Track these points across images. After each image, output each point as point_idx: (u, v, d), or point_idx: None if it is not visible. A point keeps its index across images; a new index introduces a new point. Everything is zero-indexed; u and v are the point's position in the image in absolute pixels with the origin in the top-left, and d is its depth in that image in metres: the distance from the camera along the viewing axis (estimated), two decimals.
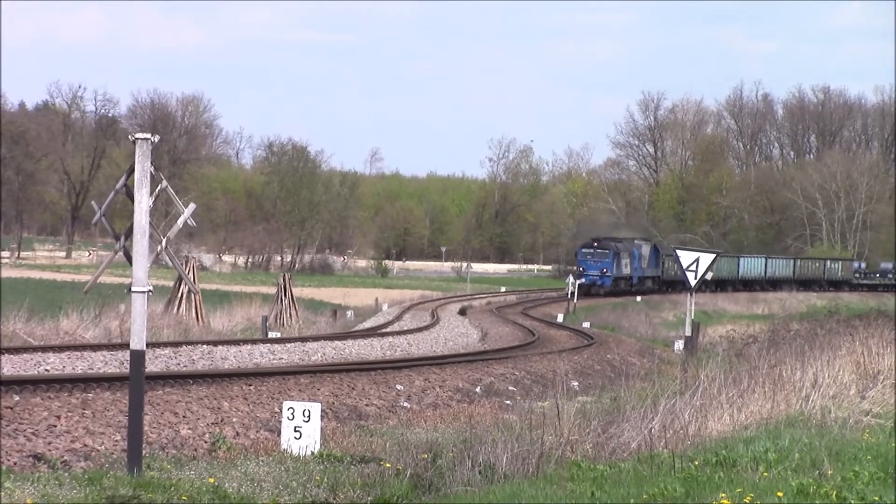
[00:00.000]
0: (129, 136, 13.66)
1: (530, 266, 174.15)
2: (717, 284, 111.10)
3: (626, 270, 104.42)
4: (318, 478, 14.49)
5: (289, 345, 36.07)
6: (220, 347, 33.13)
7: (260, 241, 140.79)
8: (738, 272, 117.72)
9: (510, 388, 27.58)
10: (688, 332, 33.24)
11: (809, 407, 17.83)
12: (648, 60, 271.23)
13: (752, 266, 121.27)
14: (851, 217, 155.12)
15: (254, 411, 19.64)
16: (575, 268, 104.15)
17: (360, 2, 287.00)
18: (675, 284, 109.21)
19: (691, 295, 32.13)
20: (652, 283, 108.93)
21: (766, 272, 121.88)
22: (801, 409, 17.85)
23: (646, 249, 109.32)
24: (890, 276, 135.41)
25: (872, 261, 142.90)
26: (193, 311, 48.04)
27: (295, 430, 16.58)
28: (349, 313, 60.73)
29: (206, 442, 16.97)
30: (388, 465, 15.10)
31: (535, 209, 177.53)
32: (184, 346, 32.46)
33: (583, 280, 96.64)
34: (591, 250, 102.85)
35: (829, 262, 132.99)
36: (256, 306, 54.27)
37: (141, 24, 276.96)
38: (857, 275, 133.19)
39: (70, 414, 17.29)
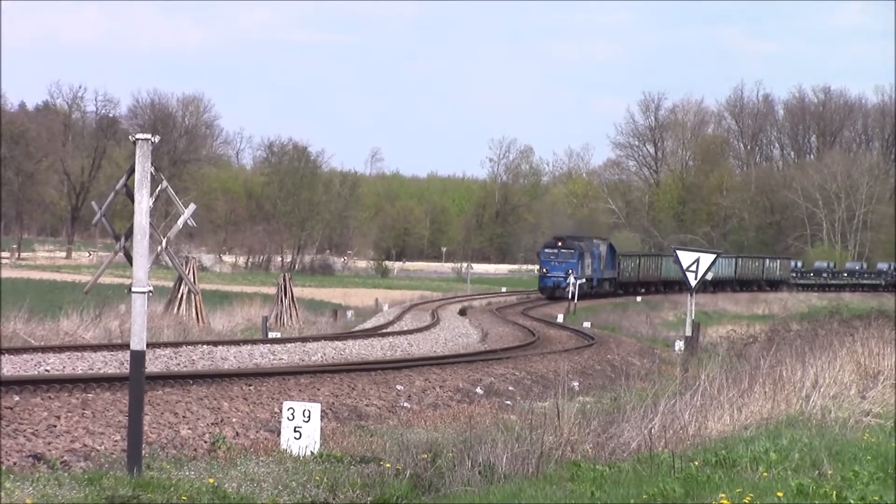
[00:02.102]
0: (130, 137, 13.65)
1: (531, 266, 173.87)
2: (665, 285, 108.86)
3: (588, 272, 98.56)
4: (317, 478, 14.49)
5: (289, 345, 36.04)
6: (220, 348, 33.10)
7: (260, 241, 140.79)
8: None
9: (510, 388, 27.56)
10: (688, 333, 33.22)
11: (810, 407, 17.84)
12: (648, 60, 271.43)
13: None
14: (852, 217, 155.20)
15: (254, 411, 19.63)
16: (538, 268, 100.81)
17: (360, 2, 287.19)
18: (629, 286, 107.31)
19: (692, 295, 32.13)
20: (609, 285, 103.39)
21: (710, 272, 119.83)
22: (801, 409, 17.85)
23: (604, 249, 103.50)
24: (825, 275, 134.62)
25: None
26: (193, 311, 48.04)
27: (295, 431, 16.58)
28: (349, 314, 60.70)
29: (205, 442, 16.96)
30: (387, 465, 15.09)
31: (536, 209, 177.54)
32: (184, 347, 32.44)
33: (547, 283, 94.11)
34: (556, 250, 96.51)
35: (767, 262, 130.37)
36: (257, 307, 54.28)
37: (141, 24, 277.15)
38: (794, 274, 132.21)
39: (70, 414, 17.29)
